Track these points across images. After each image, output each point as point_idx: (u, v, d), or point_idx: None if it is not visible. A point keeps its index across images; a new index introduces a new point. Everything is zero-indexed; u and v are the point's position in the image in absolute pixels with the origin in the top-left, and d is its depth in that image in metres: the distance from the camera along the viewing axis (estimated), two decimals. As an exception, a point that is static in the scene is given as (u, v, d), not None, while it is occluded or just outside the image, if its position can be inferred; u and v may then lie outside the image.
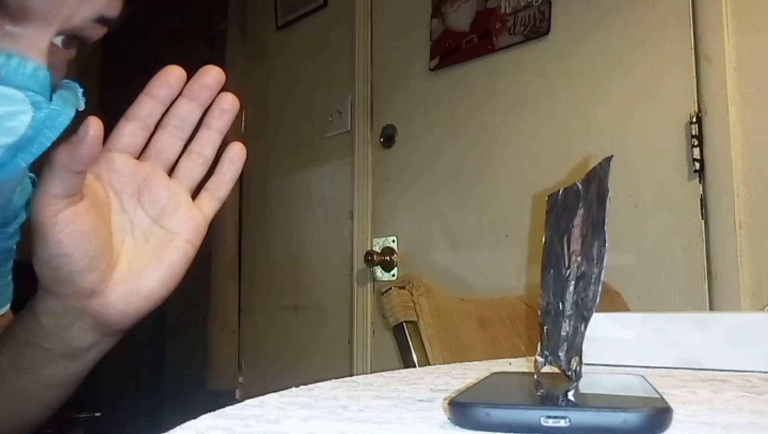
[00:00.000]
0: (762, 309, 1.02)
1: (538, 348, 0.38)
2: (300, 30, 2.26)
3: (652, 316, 0.54)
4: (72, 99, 0.45)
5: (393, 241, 1.88)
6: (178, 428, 0.28)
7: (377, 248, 1.88)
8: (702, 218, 1.33)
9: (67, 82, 0.46)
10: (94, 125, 0.40)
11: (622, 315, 0.57)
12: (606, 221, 0.35)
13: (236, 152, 0.52)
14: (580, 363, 0.34)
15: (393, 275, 1.87)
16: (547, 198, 0.42)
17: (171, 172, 0.50)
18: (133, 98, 0.48)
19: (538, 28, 1.61)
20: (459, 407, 0.29)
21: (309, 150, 2.17)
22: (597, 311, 0.34)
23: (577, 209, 0.38)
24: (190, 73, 0.49)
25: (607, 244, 0.35)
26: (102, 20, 0.45)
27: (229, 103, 0.50)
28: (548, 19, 1.59)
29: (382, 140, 1.94)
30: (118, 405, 2.61)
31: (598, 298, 0.34)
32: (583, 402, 0.30)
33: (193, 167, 0.50)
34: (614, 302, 1.22)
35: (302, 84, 2.22)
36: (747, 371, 0.47)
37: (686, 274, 1.34)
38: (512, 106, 1.66)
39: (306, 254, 2.14)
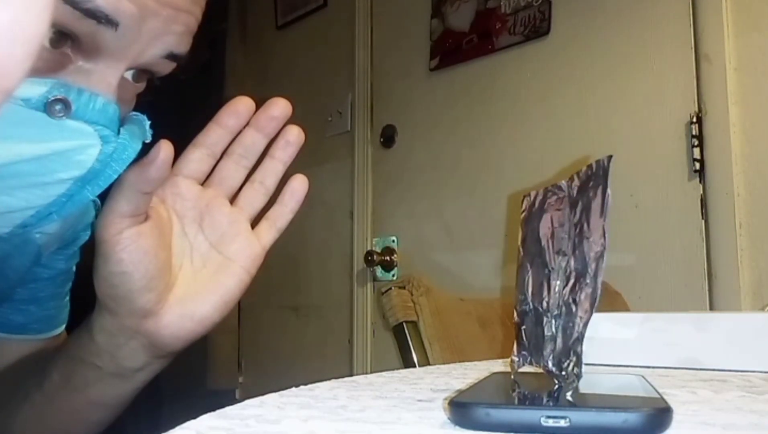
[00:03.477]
0: (762, 309, 1.02)
1: (515, 348, 0.38)
2: (300, 30, 2.26)
3: (652, 316, 0.54)
4: (139, 132, 0.45)
5: (393, 241, 1.88)
6: (178, 428, 0.28)
7: (377, 248, 1.88)
8: (702, 218, 1.33)
9: (135, 115, 0.47)
10: (165, 149, 0.41)
11: (622, 315, 0.57)
12: (606, 220, 0.35)
13: (298, 185, 0.54)
14: (579, 363, 0.34)
15: (393, 275, 1.87)
16: (522, 198, 0.42)
17: (233, 200, 0.51)
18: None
19: (538, 28, 1.61)
20: (459, 407, 0.29)
21: (309, 150, 2.13)
22: (597, 311, 0.34)
23: (562, 208, 0.38)
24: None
25: (607, 244, 0.35)
26: (171, 56, 0.45)
27: (295, 136, 0.53)
28: (548, 19, 1.59)
29: (382, 140, 1.94)
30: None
31: (597, 298, 0.34)
32: (583, 402, 0.30)
33: (255, 196, 0.52)
34: (614, 302, 1.22)
35: (302, 84, 2.22)
36: (747, 371, 0.47)
37: (686, 274, 1.34)
38: (512, 106, 1.66)
39: (306, 254, 2.14)
